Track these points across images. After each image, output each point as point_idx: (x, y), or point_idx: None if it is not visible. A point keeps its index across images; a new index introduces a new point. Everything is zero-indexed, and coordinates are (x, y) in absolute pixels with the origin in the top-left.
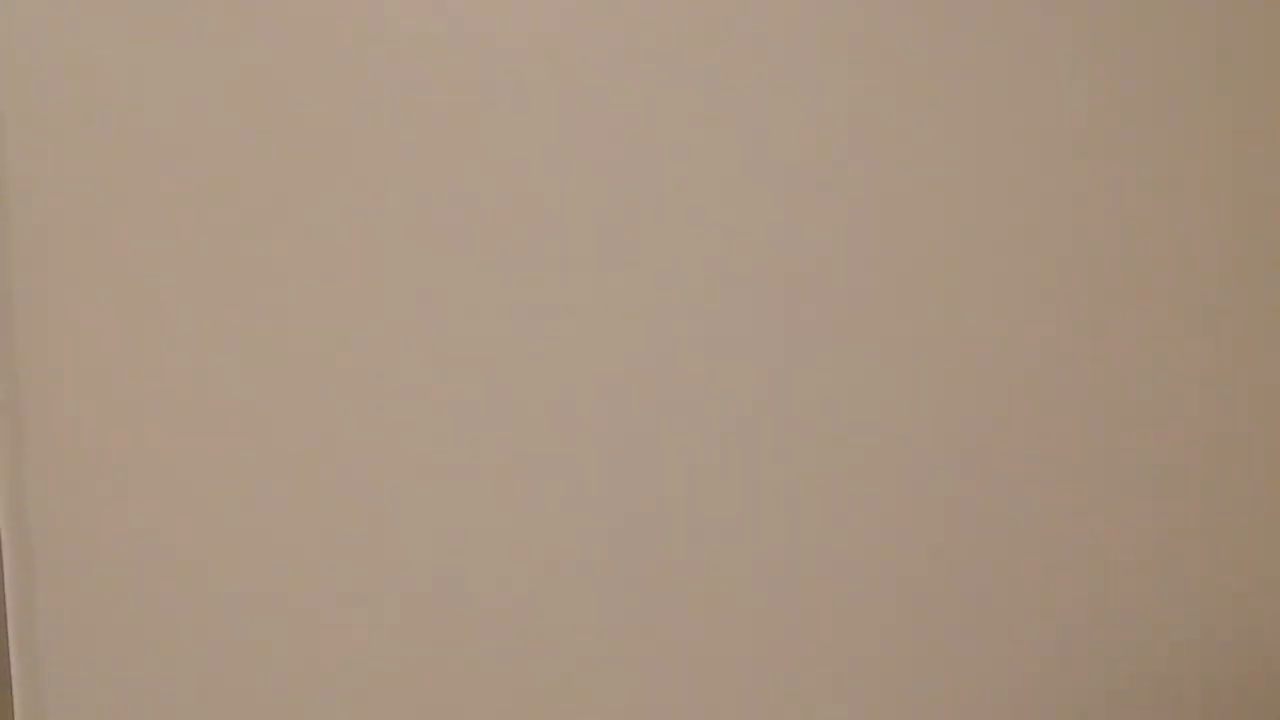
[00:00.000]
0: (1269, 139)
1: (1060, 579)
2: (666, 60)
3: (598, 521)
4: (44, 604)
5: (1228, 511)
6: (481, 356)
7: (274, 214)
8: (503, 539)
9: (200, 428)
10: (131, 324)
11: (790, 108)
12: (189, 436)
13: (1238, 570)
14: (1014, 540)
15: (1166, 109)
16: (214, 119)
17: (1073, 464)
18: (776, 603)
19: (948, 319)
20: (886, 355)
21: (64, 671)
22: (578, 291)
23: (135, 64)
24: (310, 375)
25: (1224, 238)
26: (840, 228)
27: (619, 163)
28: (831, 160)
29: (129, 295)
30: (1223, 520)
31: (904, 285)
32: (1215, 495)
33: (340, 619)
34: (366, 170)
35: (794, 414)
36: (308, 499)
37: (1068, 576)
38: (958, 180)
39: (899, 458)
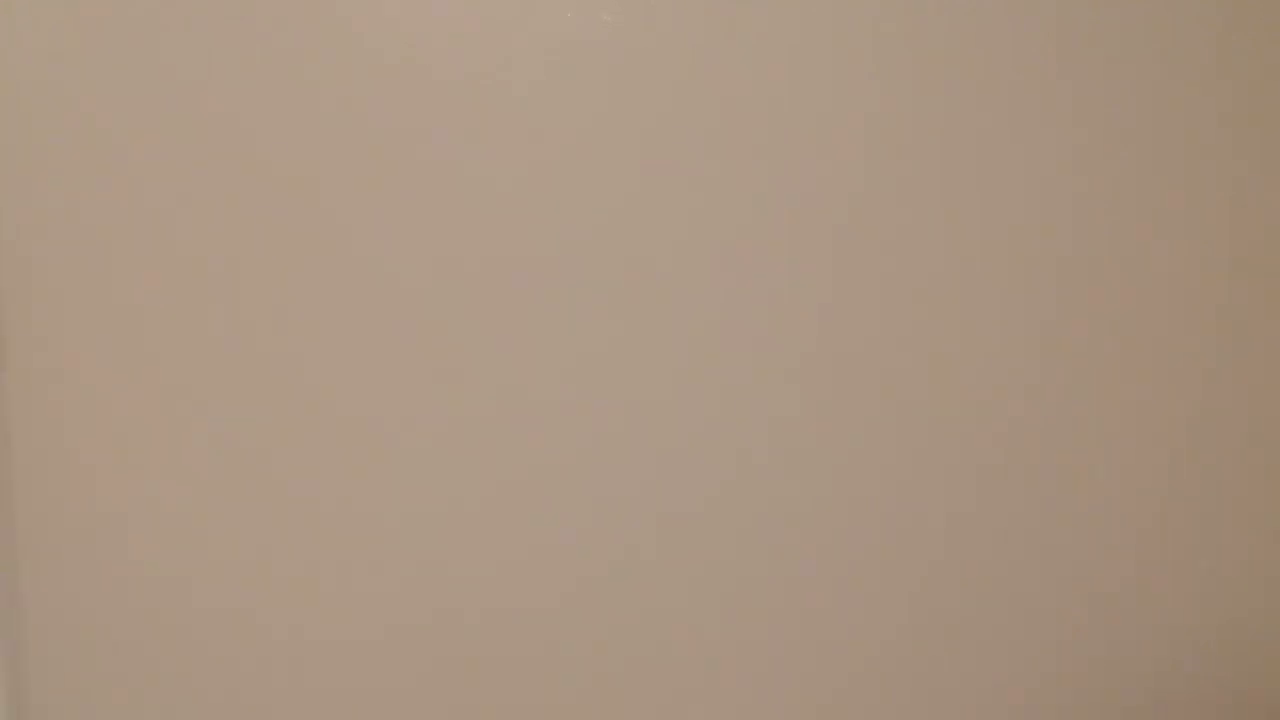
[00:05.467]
0: (1269, 144)
1: (1062, 581)
2: (687, 85)
3: (603, 530)
4: (30, 616)
5: (1228, 513)
6: (485, 365)
7: (270, 223)
8: (499, 549)
9: (192, 438)
10: (120, 335)
11: (800, 141)
12: (179, 449)
13: (1238, 572)
14: (1017, 542)
15: (1167, 132)
16: (210, 126)
17: (1075, 467)
18: (785, 607)
19: (951, 326)
20: (893, 362)
21: (50, 688)
22: (592, 307)
23: (128, 66)
24: (307, 385)
25: (1224, 241)
26: (849, 237)
27: (640, 177)
28: (850, 179)
29: (120, 304)
30: (1223, 522)
31: (910, 293)
32: (1216, 496)
33: (338, 634)
34: (368, 184)
35: (804, 420)
36: (302, 510)
37: (1070, 579)
38: (961, 192)
39: (904, 466)
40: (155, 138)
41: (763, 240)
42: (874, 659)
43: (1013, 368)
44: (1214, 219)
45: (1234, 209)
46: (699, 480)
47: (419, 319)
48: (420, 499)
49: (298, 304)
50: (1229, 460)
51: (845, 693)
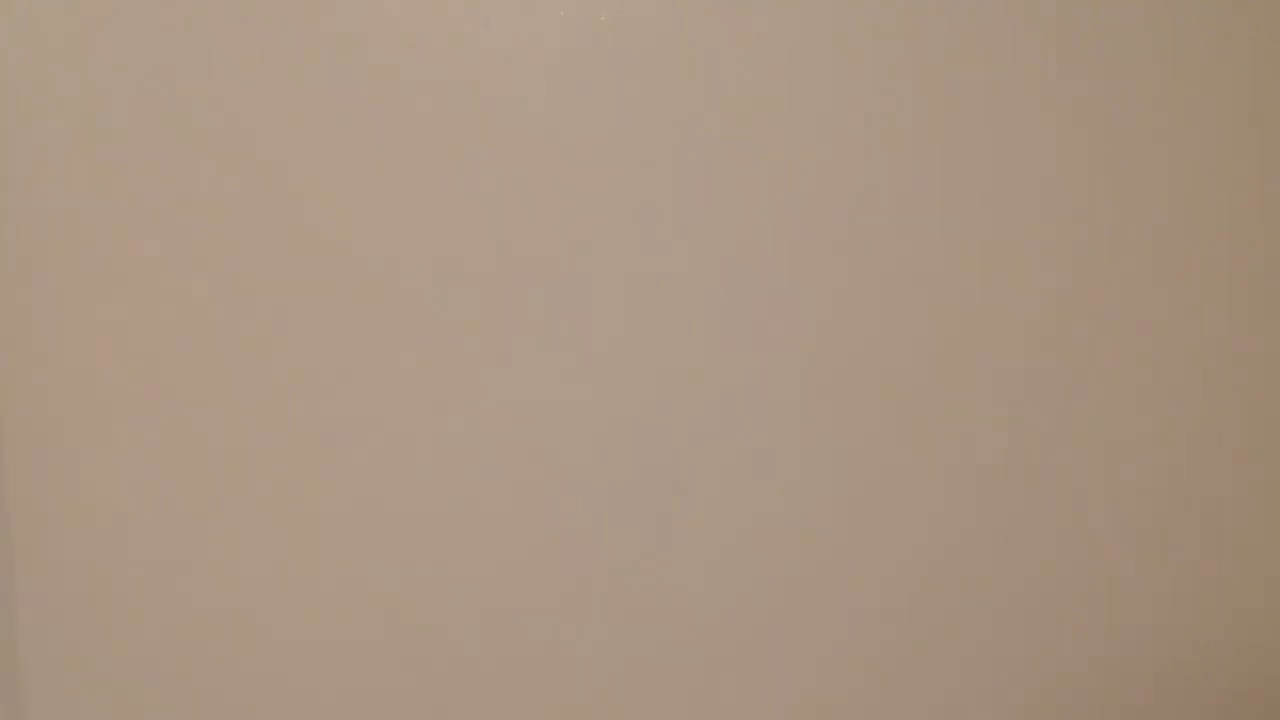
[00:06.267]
0: (1269, 144)
1: (1063, 581)
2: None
3: (605, 530)
4: (27, 615)
5: (1228, 513)
6: (487, 365)
7: (270, 223)
8: (501, 549)
9: (192, 438)
10: (120, 335)
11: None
12: (179, 448)
13: (1238, 572)
14: (1017, 542)
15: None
16: (210, 126)
17: (1075, 466)
18: (786, 607)
19: (951, 326)
20: (894, 362)
21: (45, 676)
22: (593, 307)
23: (128, 67)
24: (308, 385)
25: (1225, 242)
26: (849, 237)
27: (639, 177)
28: (851, 179)
29: (120, 305)
30: (1223, 521)
31: (911, 294)
32: (1216, 496)
33: (338, 635)
34: (368, 183)
35: (805, 420)
36: (302, 511)
37: (1070, 579)
38: (962, 193)
39: (904, 465)
40: (156, 138)
41: (764, 240)
42: (874, 659)
43: (1013, 368)
44: (1215, 218)
45: (1234, 209)
46: (702, 481)
47: (420, 319)
48: (421, 498)
49: (299, 304)
50: (1229, 460)
51: (846, 692)
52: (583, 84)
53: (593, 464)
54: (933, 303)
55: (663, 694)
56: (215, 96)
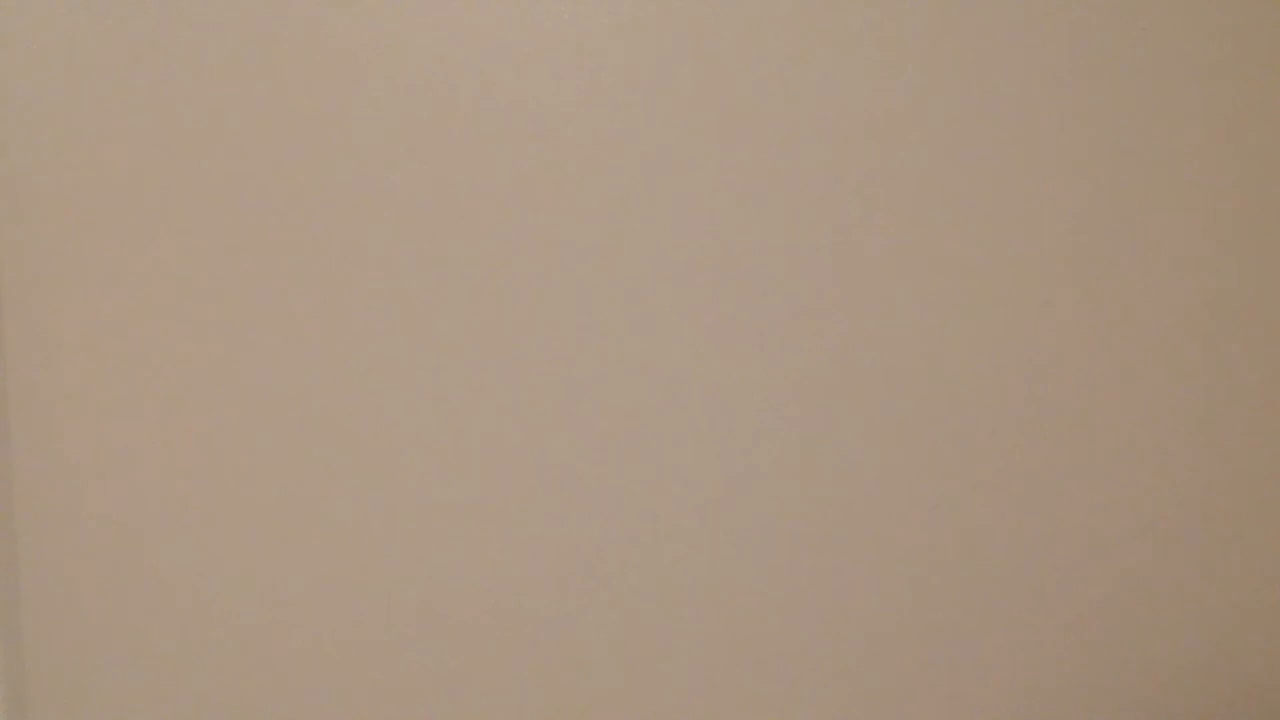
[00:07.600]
0: (1269, 144)
1: (1063, 582)
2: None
3: (605, 532)
4: (27, 608)
5: (1228, 513)
6: (488, 367)
7: (271, 226)
8: (503, 550)
9: (194, 439)
10: (121, 336)
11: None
12: (180, 449)
13: (1238, 572)
14: (1018, 544)
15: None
16: (210, 128)
17: (1076, 467)
18: (789, 608)
19: (952, 327)
20: (895, 363)
21: (48, 677)
22: (593, 308)
23: (129, 71)
24: (310, 385)
25: (1227, 243)
26: (850, 239)
27: (639, 179)
28: (852, 180)
29: (121, 306)
30: (1223, 522)
31: (912, 295)
32: (1216, 497)
33: (340, 635)
34: (369, 183)
35: (807, 421)
36: (302, 511)
37: (1071, 580)
38: (963, 194)
39: (905, 467)
40: (156, 139)
41: (765, 241)
42: (877, 659)
43: (1014, 369)
44: (1215, 219)
45: (1235, 209)
46: (703, 481)
47: (422, 319)
48: (421, 498)
49: (300, 304)
50: (1229, 460)
51: (848, 693)
52: (583, 84)
53: (594, 464)
54: (935, 304)
55: (664, 694)
56: (216, 97)
